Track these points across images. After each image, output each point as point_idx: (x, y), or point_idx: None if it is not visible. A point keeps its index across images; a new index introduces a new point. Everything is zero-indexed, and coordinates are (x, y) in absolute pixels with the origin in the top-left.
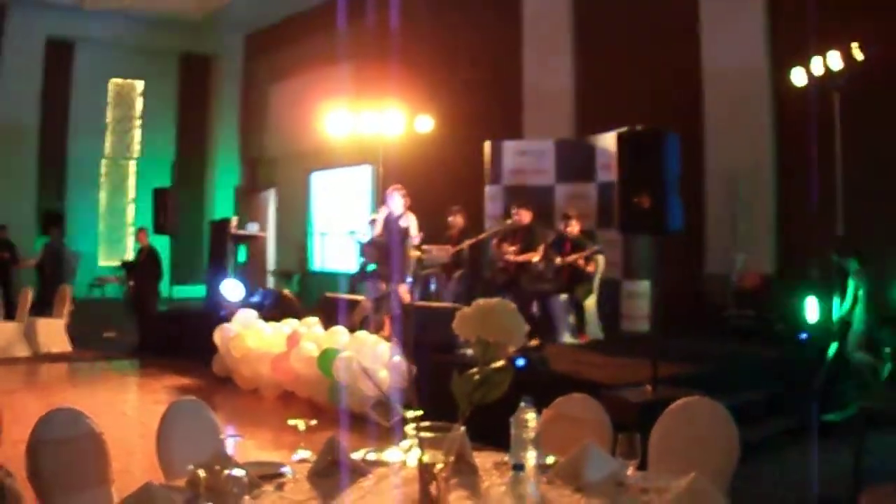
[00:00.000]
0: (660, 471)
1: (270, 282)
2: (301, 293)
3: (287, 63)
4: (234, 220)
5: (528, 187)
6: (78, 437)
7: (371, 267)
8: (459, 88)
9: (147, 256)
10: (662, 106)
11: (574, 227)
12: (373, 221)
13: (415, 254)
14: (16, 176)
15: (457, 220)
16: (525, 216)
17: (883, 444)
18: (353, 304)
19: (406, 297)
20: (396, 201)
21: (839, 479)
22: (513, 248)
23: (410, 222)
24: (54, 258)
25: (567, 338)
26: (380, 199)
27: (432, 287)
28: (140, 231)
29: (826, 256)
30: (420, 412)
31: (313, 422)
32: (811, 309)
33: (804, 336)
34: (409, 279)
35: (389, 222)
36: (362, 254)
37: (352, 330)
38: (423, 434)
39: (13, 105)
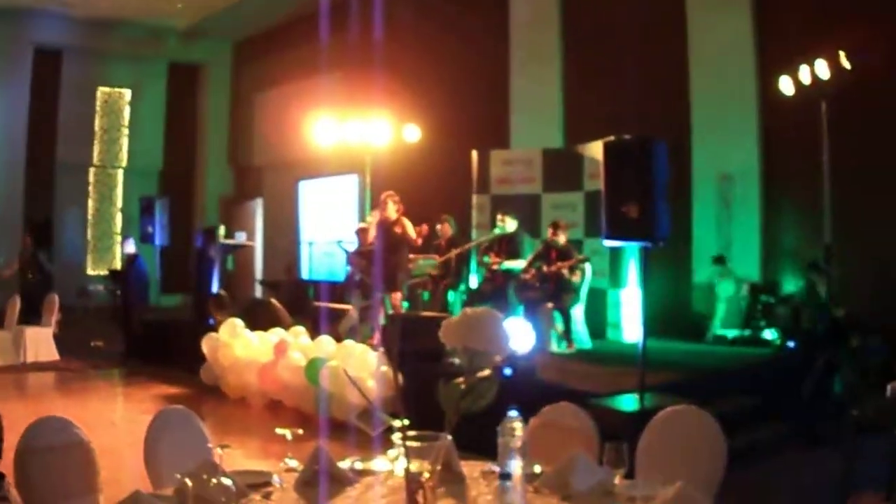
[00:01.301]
0: (647, 480)
1: (258, 291)
2: (288, 302)
3: (274, 72)
4: (222, 229)
5: (516, 196)
6: (66, 445)
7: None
8: (446, 98)
9: (132, 265)
10: (650, 114)
11: (561, 236)
12: (360, 231)
13: (412, 259)
14: (3, 184)
15: (445, 228)
16: (510, 224)
17: (872, 450)
18: (340, 314)
19: (399, 305)
20: (390, 208)
21: (829, 486)
22: (497, 259)
23: (406, 228)
24: (35, 267)
25: (554, 347)
26: (369, 207)
27: (420, 296)
28: (125, 240)
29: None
30: (406, 421)
31: (300, 431)
32: (794, 316)
33: (792, 343)
34: (398, 291)
35: (383, 229)
36: (349, 263)
37: (338, 339)
38: (409, 443)
39: (0, 113)
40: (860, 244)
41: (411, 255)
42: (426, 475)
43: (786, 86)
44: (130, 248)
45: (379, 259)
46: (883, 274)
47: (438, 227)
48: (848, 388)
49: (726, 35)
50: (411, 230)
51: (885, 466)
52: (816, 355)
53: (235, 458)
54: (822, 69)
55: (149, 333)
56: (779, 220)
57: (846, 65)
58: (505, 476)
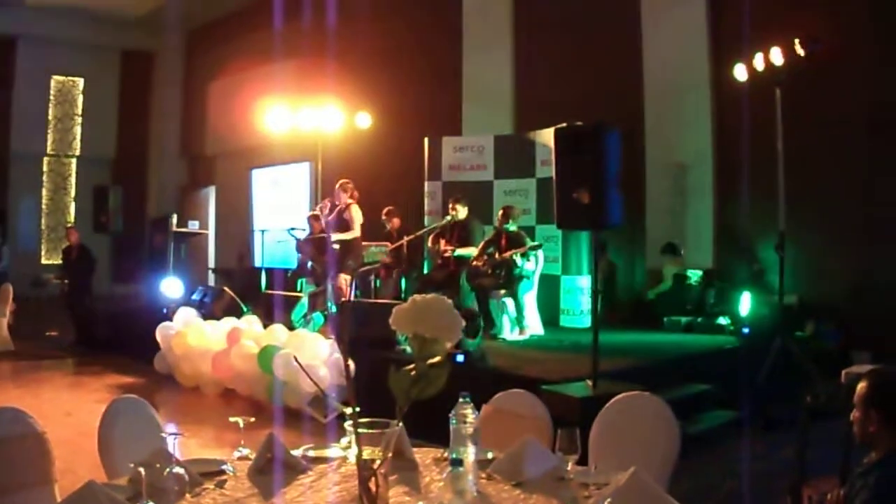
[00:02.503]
0: (600, 466)
1: (211, 279)
2: (241, 290)
3: (227, 60)
4: (175, 218)
5: (467, 183)
6: (20, 436)
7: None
8: (398, 85)
9: (78, 254)
10: (603, 101)
11: (511, 223)
12: (312, 217)
13: (365, 246)
14: None
15: (392, 222)
16: (461, 211)
17: (826, 435)
18: (292, 301)
19: (344, 289)
20: (343, 195)
21: (783, 470)
22: (449, 247)
23: (354, 215)
24: None
25: (506, 334)
26: (321, 196)
27: (372, 283)
28: (70, 230)
29: (766, 251)
30: (358, 409)
31: (253, 419)
32: (745, 303)
33: (746, 330)
34: (347, 275)
35: (335, 214)
36: (299, 250)
37: (290, 327)
38: (361, 430)
39: None
40: (814, 231)
41: (364, 243)
42: (378, 462)
43: (739, 73)
44: (75, 237)
45: (329, 245)
46: (837, 261)
47: (384, 217)
48: (802, 374)
49: (680, 21)
50: (358, 218)
51: (839, 452)
52: (771, 342)
53: (189, 446)
54: (777, 56)
55: (103, 322)
56: (732, 207)
57: (800, 52)
58: (457, 462)
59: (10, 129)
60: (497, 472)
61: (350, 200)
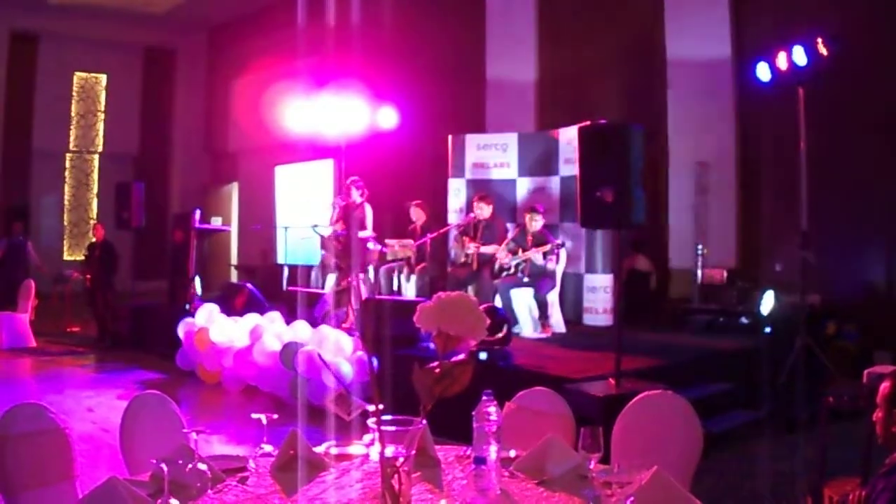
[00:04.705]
0: (622, 464)
1: (234, 275)
2: (264, 287)
3: (250, 57)
4: (197, 214)
5: (491, 181)
6: (41, 431)
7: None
8: (422, 82)
9: (102, 251)
10: (626, 99)
11: (537, 221)
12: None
13: (373, 246)
14: None
15: (418, 213)
16: (485, 209)
17: (847, 436)
18: (315, 298)
19: (359, 288)
20: (354, 193)
21: (804, 470)
22: (473, 244)
23: (367, 214)
24: (16, 254)
25: (530, 331)
26: (338, 192)
27: (395, 281)
28: (96, 225)
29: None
30: (381, 406)
31: (275, 416)
32: (767, 302)
33: (768, 329)
34: (363, 273)
35: (349, 214)
36: (323, 247)
37: (314, 324)
38: (384, 428)
39: None
40: (836, 231)
41: (387, 241)
42: (401, 460)
43: (763, 72)
44: (100, 233)
45: (356, 243)
46: (859, 260)
47: (411, 211)
48: (823, 374)
49: (703, 20)
50: (369, 220)
51: (860, 452)
52: (793, 342)
53: (211, 443)
54: (800, 55)
55: (125, 318)
56: (755, 206)
57: (823, 51)
58: (480, 460)
59: (32, 126)
60: (519, 471)
61: (359, 199)
